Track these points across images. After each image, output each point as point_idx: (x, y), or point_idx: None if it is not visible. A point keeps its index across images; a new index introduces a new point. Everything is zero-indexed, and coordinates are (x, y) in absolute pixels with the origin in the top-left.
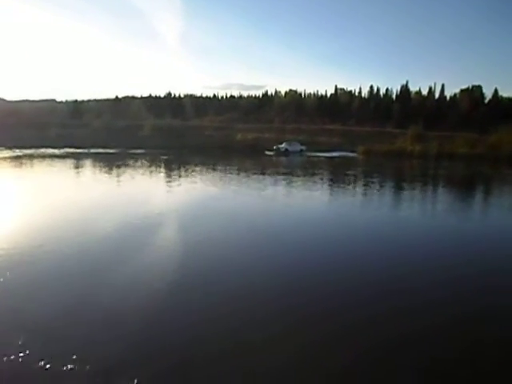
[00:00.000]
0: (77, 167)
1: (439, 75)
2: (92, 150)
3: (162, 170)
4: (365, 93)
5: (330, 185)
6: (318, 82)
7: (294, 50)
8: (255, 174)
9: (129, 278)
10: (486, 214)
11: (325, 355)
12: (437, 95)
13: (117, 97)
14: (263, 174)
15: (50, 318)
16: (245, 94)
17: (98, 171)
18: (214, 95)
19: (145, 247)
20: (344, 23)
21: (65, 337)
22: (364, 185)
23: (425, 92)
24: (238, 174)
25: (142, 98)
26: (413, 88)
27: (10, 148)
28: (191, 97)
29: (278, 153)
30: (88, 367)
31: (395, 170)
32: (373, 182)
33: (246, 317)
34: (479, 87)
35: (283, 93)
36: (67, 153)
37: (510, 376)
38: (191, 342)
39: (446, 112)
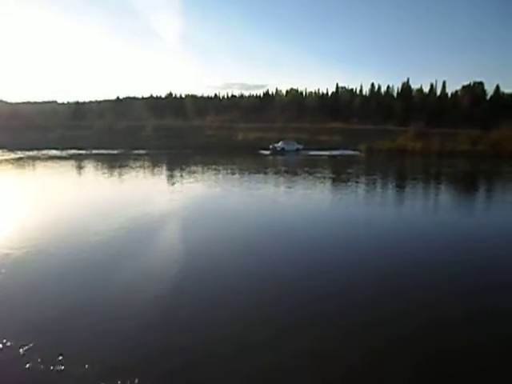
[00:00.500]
0: (78, 168)
1: (440, 72)
2: (94, 151)
3: (161, 170)
4: (366, 91)
5: (330, 184)
6: (319, 80)
7: (295, 48)
8: (252, 173)
9: (125, 277)
10: (486, 211)
11: (327, 355)
12: (438, 92)
13: (118, 98)
14: (259, 173)
15: (58, 317)
16: (246, 93)
17: (99, 172)
18: (216, 95)
19: (140, 245)
20: (345, 21)
21: (67, 337)
22: (364, 183)
23: (426, 89)
24: (234, 174)
25: (143, 98)
26: (414, 85)
27: (12, 150)
28: (192, 97)
29: (275, 152)
30: (88, 369)
31: (396, 168)
32: (374, 181)
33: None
34: (481, 84)
35: (284, 92)
36: (69, 154)
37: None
38: (191, 344)
39: (447, 109)
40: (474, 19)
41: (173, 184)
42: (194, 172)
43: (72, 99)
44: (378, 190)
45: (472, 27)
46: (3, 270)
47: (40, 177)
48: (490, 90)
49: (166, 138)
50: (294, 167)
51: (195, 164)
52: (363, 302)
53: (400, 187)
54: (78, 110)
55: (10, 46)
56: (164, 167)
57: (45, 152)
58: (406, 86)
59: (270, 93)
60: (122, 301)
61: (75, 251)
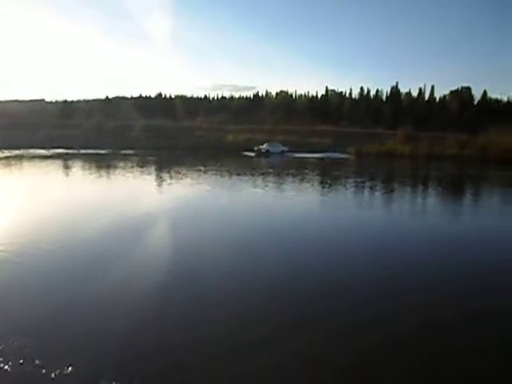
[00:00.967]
0: (64, 168)
1: (429, 77)
2: (82, 151)
3: (147, 171)
4: (355, 94)
5: (317, 186)
6: (308, 83)
7: (285, 50)
8: (235, 175)
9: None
10: (473, 215)
11: (318, 356)
12: (426, 96)
13: (107, 97)
14: (243, 174)
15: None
16: (236, 94)
17: (84, 172)
18: (205, 96)
19: (118, 242)
20: (335, 25)
21: (58, 337)
22: (351, 186)
23: (415, 93)
24: (218, 175)
25: (132, 98)
26: (403, 89)
27: None
28: (182, 97)
29: (259, 154)
30: (79, 369)
31: (385, 171)
32: (362, 184)
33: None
34: (468, 88)
35: (274, 94)
36: (56, 153)
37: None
38: (182, 343)
39: (435, 113)
40: (463, 25)
41: (156, 185)
42: (179, 173)
43: (60, 98)
44: (366, 192)
45: (461, 33)
46: None
47: (24, 176)
48: (477, 94)
49: (155, 139)
50: (280, 169)
51: (181, 165)
52: (355, 303)
53: (388, 190)
54: (67, 108)
55: None
56: (150, 168)
57: (31, 151)
58: (395, 90)
59: (260, 94)
60: (110, 300)
61: (60, 250)
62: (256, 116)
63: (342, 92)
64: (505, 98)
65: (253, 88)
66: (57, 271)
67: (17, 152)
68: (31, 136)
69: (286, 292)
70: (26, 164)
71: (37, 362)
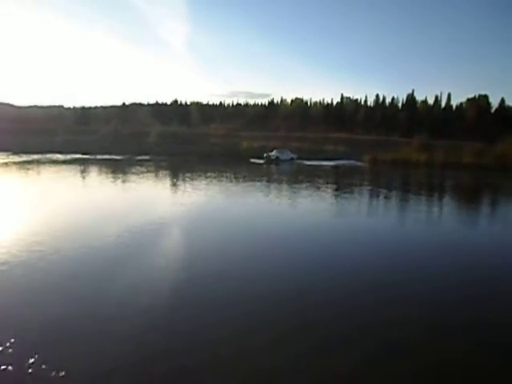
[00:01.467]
0: (80, 173)
1: (445, 84)
2: (98, 156)
3: (159, 177)
4: (371, 101)
5: (330, 193)
6: (324, 90)
7: (301, 58)
8: (245, 181)
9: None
10: (488, 225)
11: (325, 360)
12: (443, 104)
13: (124, 104)
14: (253, 180)
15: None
16: (251, 101)
17: (100, 177)
18: (221, 103)
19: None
20: (350, 32)
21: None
22: (364, 194)
23: (431, 101)
24: (229, 181)
25: (148, 105)
26: (419, 97)
27: (16, 153)
28: (197, 104)
29: (269, 161)
30: (86, 372)
31: (399, 179)
32: (373, 192)
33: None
34: (485, 96)
35: (289, 101)
36: (73, 158)
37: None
38: (192, 344)
39: (452, 121)
40: (480, 32)
41: (168, 191)
42: (191, 179)
43: (78, 104)
44: (378, 201)
45: (478, 40)
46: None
47: (39, 180)
48: (494, 102)
49: (171, 145)
50: (290, 177)
51: (192, 172)
52: (363, 308)
53: (402, 198)
54: (84, 114)
55: (19, 50)
56: (159, 175)
57: (49, 156)
58: (411, 98)
59: (275, 102)
60: (123, 302)
61: (78, 254)
62: (271, 123)
63: (357, 99)
64: None
65: (268, 95)
66: (75, 274)
67: (34, 156)
68: (49, 141)
69: (296, 296)
70: (42, 168)
71: (44, 362)
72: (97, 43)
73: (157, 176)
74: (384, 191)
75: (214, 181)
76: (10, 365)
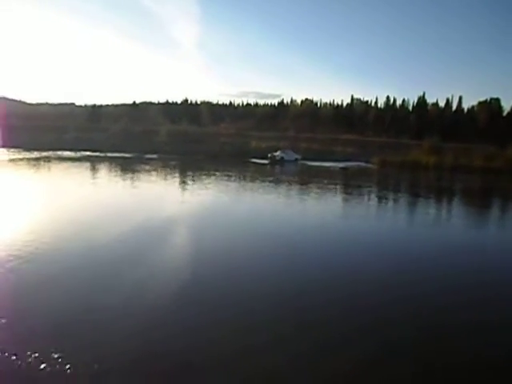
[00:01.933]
0: (90, 170)
1: (457, 87)
2: (108, 154)
3: (163, 176)
4: (381, 103)
5: (337, 195)
6: (334, 91)
7: (311, 59)
8: (248, 182)
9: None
10: (494, 229)
11: (323, 361)
12: (454, 107)
13: (134, 102)
14: (262, 181)
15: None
16: (261, 102)
17: (108, 175)
18: (231, 102)
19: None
20: (361, 33)
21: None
22: (370, 197)
23: (442, 104)
24: (232, 181)
25: (159, 103)
26: (430, 100)
27: (28, 150)
28: (207, 104)
29: (273, 161)
30: (87, 369)
31: (407, 182)
32: (379, 194)
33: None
34: (497, 100)
35: (299, 101)
36: (83, 156)
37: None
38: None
39: (463, 124)
40: (492, 35)
41: (168, 190)
42: (196, 179)
43: (90, 102)
44: (382, 202)
45: (489, 43)
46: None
47: (48, 177)
48: (506, 106)
49: (180, 144)
50: (295, 177)
51: (200, 170)
52: (362, 309)
53: (407, 201)
54: (95, 112)
55: (32, 48)
56: (169, 173)
57: (60, 153)
58: (422, 100)
59: (285, 102)
60: (126, 300)
61: (80, 250)
62: (280, 123)
63: (367, 101)
64: None
65: (278, 96)
66: (80, 269)
67: (45, 153)
68: (60, 138)
69: (298, 295)
70: (52, 165)
71: (54, 356)
72: (108, 42)
73: (161, 175)
74: (390, 193)
75: (218, 181)
76: (13, 360)
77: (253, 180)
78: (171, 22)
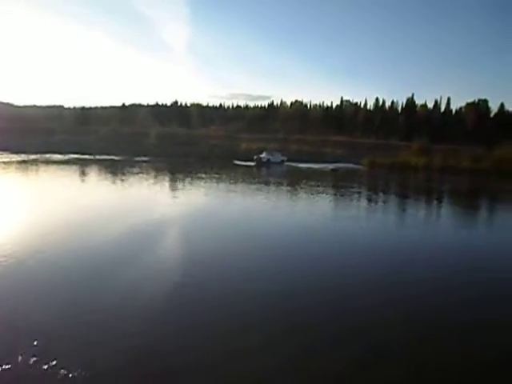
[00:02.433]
0: (77, 174)
1: (445, 88)
2: (97, 157)
3: (154, 178)
4: (370, 105)
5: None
6: (324, 93)
7: (301, 60)
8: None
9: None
10: (482, 228)
11: (314, 362)
12: (442, 108)
13: (123, 104)
14: (249, 183)
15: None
16: (251, 104)
17: (96, 178)
18: (221, 105)
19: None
20: (351, 35)
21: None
22: (357, 198)
23: (430, 105)
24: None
25: (148, 106)
26: (418, 101)
27: (15, 152)
28: (197, 106)
29: (259, 163)
30: (84, 372)
31: (396, 183)
32: (368, 196)
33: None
34: (485, 101)
35: (289, 103)
36: (72, 158)
37: None
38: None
39: (451, 125)
40: (480, 37)
41: (160, 193)
42: (183, 182)
43: (78, 104)
44: (371, 203)
45: (478, 45)
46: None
47: (35, 180)
48: (494, 107)
49: (170, 146)
50: (281, 179)
51: (188, 173)
52: (353, 311)
53: (396, 202)
54: (84, 115)
55: (19, 50)
56: (156, 176)
57: (48, 156)
58: (411, 102)
59: (275, 104)
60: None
61: (73, 253)
62: (270, 125)
63: (357, 103)
64: None
65: (268, 97)
66: (70, 272)
67: (32, 156)
68: (48, 141)
69: (286, 298)
70: (39, 168)
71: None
72: (97, 44)
73: (149, 178)
74: (379, 194)
75: (204, 182)
76: (9, 361)
77: (239, 182)
78: (161, 25)
